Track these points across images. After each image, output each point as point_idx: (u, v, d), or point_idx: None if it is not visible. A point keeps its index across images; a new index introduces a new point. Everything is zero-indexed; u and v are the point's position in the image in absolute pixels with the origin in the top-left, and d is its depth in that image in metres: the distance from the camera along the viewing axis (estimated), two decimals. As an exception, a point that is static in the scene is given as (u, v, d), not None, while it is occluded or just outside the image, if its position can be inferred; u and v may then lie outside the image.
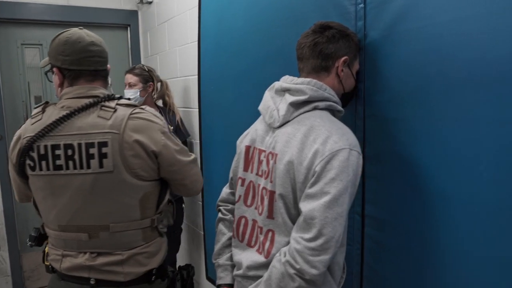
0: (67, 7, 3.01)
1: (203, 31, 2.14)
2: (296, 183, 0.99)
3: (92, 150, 1.16)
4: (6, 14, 2.81)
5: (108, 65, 1.33)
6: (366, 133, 1.22)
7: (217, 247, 1.26)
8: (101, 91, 1.25)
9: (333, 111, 1.10)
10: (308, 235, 0.93)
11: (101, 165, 1.16)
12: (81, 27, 1.28)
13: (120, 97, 1.27)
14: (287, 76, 1.13)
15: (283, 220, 1.03)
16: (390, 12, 1.10)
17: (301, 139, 1.00)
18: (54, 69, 1.25)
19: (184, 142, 2.40)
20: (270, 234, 1.06)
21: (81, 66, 1.23)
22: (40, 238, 1.32)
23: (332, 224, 0.92)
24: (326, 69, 1.10)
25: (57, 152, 1.17)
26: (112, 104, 1.21)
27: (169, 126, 1.32)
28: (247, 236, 1.15)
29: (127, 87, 2.33)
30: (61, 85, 1.26)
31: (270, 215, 1.06)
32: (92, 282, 1.22)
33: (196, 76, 2.27)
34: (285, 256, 0.97)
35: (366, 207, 1.24)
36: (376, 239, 1.21)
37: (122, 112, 1.20)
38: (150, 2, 3.02)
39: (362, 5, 1.18)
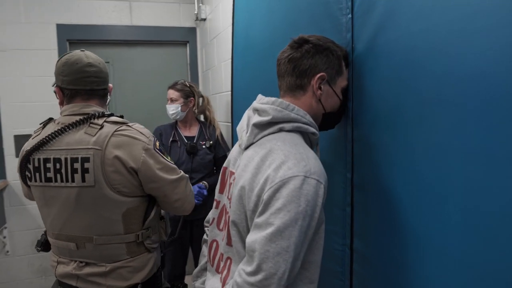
0: (131, 27, 3.25)
1: (235, 47, 2.14)
2: (247, 211, 0.92)
3: (76, 165, 1.21)
4: (78, 35, 3.13)
5: (110, 85, 1.40)
6: (354, 158, 1.09)
7: (196, 269, 1.23)
8: (94, 109, 1.31)
9: (304, 134, 1.00)
10: (248, 269, 0.85)
11: (83, 179, 1.21)
12: (83, 50, 1.37)
13: (111, 114, 1.31)
14: (260, 96, 1.07)
15: (237, 248, 0.96)
16: (373, 21, 0.98)
17: (257, 164, 0.93)
18: (56, 88, 1.34)
19: (224, 157, 2.41)
20: (228, 262, 1.00)
21: (78, 86, 1.30)
22: (46, 244, 1.41)
23: (274, 259, 0.82)
24: (302, 87, 1.01)
25: (48, 165, 1.25)
26: (100, 121, 1.26)
27: (157, 143, 1.32)
28: (216, 261, 1.09)
29: (169, 102, 2.42)
30: (61, 103, 1.35)
31: (229, 242, 1.00)
32: None
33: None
34: None
35: (355, 240, 1.11)
36: (364, 276, 1.07)
37: (108, 129, 1.25)
38: (204, 19, 3.13)
39: (349, 16, 1.07)
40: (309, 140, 1.01)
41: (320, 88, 1.00)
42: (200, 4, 3.15)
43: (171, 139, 2.42)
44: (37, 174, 1.27)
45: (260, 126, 0.99)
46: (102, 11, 3.17)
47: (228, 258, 1.00)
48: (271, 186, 0.86)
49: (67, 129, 1.26)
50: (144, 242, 1.32)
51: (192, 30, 3.39)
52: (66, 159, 1.22)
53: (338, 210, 1.17)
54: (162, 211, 1.43)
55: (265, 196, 0.86)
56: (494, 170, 0.64)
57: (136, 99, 3.35)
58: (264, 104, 1.00)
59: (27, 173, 1.30)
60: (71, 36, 3.11)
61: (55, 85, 1.36)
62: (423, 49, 0.81)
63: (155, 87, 3.35)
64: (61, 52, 3.07)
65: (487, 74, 0.65)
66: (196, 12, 3.19)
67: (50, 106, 2.89)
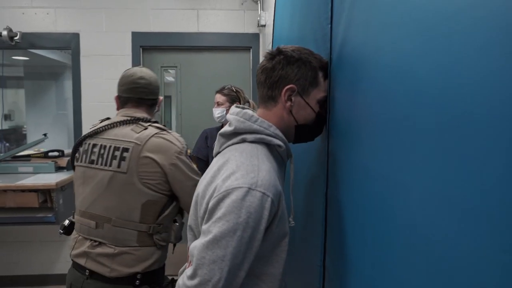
0: (198, 33, 3.46)
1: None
2: (198, 217, 0.96)
3: (116, 153, 1.44)
4: (150, 42, 3.43)
5: (160, 97, 1.65)
6: (329, 171, 1.06)
7: (182, 267, 1.29)
8: (142, 115, 1.54)
9: (271, 146, 1.00)
10: (188, 272, 0.89)
11: (119, 165, 1.42)
12: (141, 66, 1.63)
13: (156, 122, 1.54)
14: (233, 106, 1.09)
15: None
16: (340, 31, 0.95)
17: (213, 172, 0.96)
18: (115, 96, 1.63)
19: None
20: (190, 263, 1.05)
21: (129, 94, 1.57)
22: (69, 228, 1.61)
23: (209, 266, 0.85)
24: (273, 98, 1.02)
25: (94, 149, 1.49)
26: (146, 124, 1.49)
27: (188, 151, 1.53)
28: (188, 262, 1.15)
29: (216, 105, 2.54)
30: (118, 109, 1.63)
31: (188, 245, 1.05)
32: (87, 273, 1.44)
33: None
34: None
35: (326, 257, 1.07)
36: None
37: (150, 131, 1.47)
38: (264, 25, 3.20)
39: (329, 25, 1.05)
40: (277, 152, 1.01)
41: (290, 99, 1.00)
42: (261, 11, 3.23)
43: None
44: (84, 156, 1.51)
45: (225, 136, 1.02)
46: (172, 19, 3.42)
47: (190, 261, 1.05)
48: (216, 195, 0.88)
49: (118, 125, 1.49)
50: (154, 235, 1.46)
51: (255, 36, 3.49)
52: (110, 147, 1.45)
53: (319, 224, 1.14)
54: (176, 217, 1.56)
55: (210, 205, 0.89)
56: (473, 175, 0.59)
57: (201, 102, 3.54)
58: (231, 115, 1.03)
59: (76, 154, 1.55)
60: (144, 43, 3.41)
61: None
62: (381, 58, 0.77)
63: (219, 87, 3.51)
64: (135, 57, 3.39)
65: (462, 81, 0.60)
66: (258, 18, 3.28)
67: (122, 106, 3.22)
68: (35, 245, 3.44)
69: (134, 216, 1.42)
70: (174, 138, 1.50)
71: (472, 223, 0.45)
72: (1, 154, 3.30)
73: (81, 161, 1.52)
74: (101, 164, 1.45)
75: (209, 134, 2.58)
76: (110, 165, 1.43)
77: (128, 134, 1.45)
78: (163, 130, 1.50)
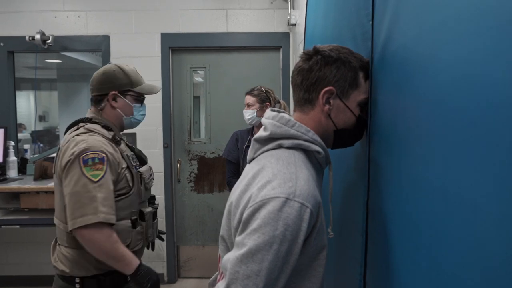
0: (227, 33, 3.43)
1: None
2: (232, 228, 0.91)
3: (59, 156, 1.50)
4: (179, 43, 3.43)
5: (112, 91, 1.60)
6: (370, 180, 0.99)
7: (212, 277, 1.25)
8: (90, 115, 1.60)
9: (309, 152, 0.95)
10: (221, 286, 0.85)
11: (56, 166, 1.50)
12: (111, 63, 1.71)
13: (90, 119, 1.56)
14: (268, 110, 1.04)
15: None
16: (385, 26, 0.88)
17: (248, 180, 0.91)
18: None
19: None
20: (222, 276, 1.01)
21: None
22: None
23: (243, 282, 0.80)
24: (310, 101, 0.96)
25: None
26: (81, 124, 1.54)
27: (90, 155, 1.45)
28: (219, 275, 1.11)
29: (246, 107, 2.50)
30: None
31: (220, 256, 1.00)
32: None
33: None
34: None
35: (367, 271, 1.01)
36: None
37: (77, 132, 1.50)
38: (294, 24, 3.13)
39: (371, 22, 0.98)
40: (316, 159, 0.95)
41: (328, 102, 0.94)
42: (292, 9, 3.17)
43: (246, 144, 2.49)
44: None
45: (261, 141, 0.97)
46: (201, 20, 3.41)
47: (222, 272, 1.01)
48: (251, 205, 0.84)
49: (69, 128, 1.57)
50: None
51: (285, 35, 3.43)
52: (59, 149, 1.54)
53: (358, 235, 1.07)
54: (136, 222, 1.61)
55: (244, 215, 0.84)
56: None
57: (229, 103, 3.52)
58: (266, 119, 0.98)
59: None
60: (173, 44, 3.42)
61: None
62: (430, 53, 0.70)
63: (249, 88, 3.46)
64: (164, 58, 3.40)
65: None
66: (288, 17, 3.21)
67: (151, 108, 3.22)
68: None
69: (63, 216, 1.46)
70: (78, 141, 1.45)
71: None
72: (35, 156, 3.37)
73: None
74: (54, 170, 1.54)
75: (239, 136, 2.55)
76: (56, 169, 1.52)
77: (66, 137, 1.52)
78: (85, 132, 1.49)
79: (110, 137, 1.54)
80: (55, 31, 3.34)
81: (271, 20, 3.42)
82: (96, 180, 1.39)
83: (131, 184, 1.55)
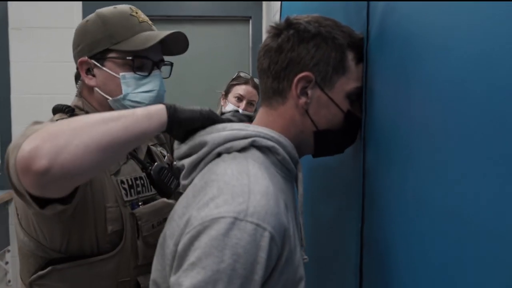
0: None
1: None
2: (166, 266, 0.87)
3: None
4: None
5: (82, 58, 1.25)
6: (365, 199, 0.98)
7: None
8: (72, 103, 1.30)
9: (264, 151, 0.91)
10: None
11: None
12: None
13: (72, 110, 1.26)
14: None
15: None
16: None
17: (187, 201, 0.88)
18: None
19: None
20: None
21: None
22: None
23: None
24: (280, 93, 0.94)
25: None
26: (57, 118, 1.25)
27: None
28: None
29: (236, 100, 2.36)
30: None
31: None
32: None
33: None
34: None
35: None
36: None
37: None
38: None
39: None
40: (278, 161, 0.92)
41: (305, 94, 0.92)
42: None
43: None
44: None
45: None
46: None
47: None
48: (189, 231, 0.80)
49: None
50: None
51: (257, 4, 3.51)
52: None
53: (351, 274, 1.06)
54: None
55: (180, 246, 0.81)
56: None
57: (183, 88, 3.46)
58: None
59: None
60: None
61: None
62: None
63: (207, 71, 3.48)
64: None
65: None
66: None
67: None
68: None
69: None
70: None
71: None
72: None
73: None
74: None
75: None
76: None
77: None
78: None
79: None
80: None
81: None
82: None
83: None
